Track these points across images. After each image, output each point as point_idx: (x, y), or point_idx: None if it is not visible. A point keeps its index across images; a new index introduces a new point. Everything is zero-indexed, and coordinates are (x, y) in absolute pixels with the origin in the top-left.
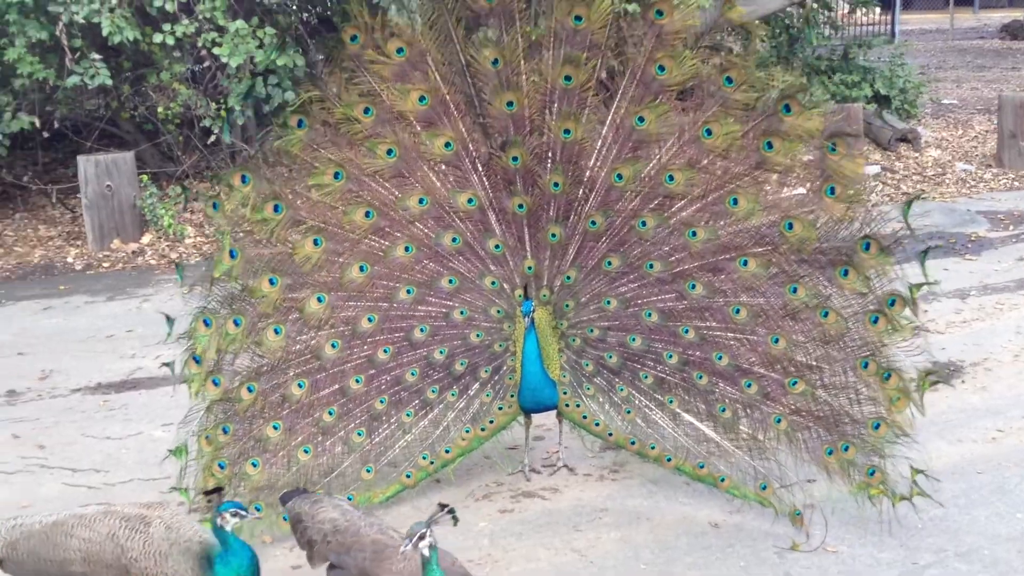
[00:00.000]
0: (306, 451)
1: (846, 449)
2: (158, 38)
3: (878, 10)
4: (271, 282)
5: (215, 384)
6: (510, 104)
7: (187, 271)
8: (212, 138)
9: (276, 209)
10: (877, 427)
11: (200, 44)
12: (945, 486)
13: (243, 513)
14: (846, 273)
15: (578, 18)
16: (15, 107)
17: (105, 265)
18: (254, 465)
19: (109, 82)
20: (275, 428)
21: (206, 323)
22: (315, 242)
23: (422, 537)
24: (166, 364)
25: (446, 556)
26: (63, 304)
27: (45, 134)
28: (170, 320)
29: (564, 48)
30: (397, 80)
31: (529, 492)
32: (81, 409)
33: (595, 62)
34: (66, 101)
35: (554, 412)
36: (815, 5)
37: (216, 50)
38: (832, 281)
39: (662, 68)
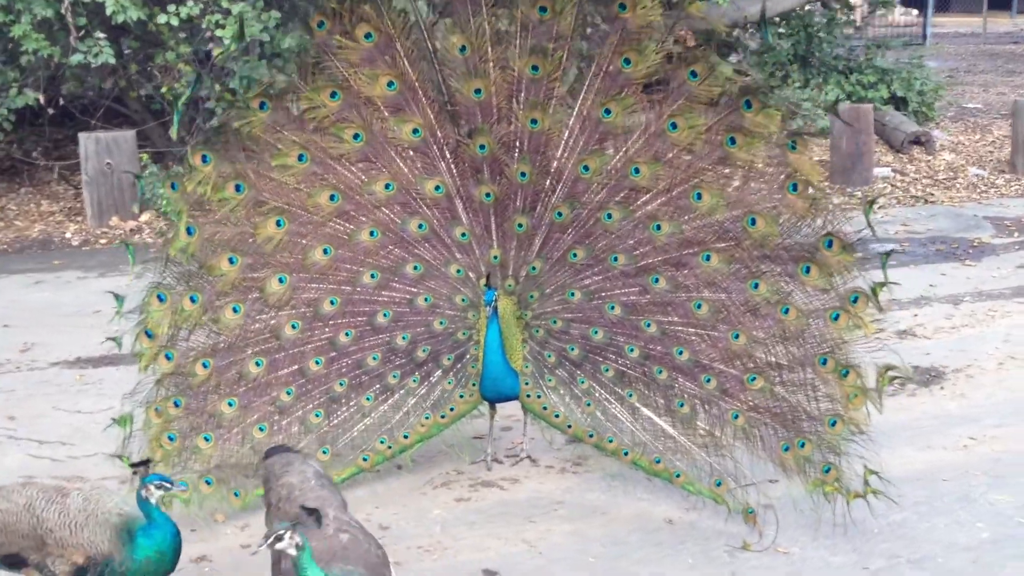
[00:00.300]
0: (261, 429)
1: (802, 446)
2: (163, 19)
3: (915, 12)
4: (231, 261)
5: (168, 358)
6: (477, 92)
7: (144, 251)
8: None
9: (238, 189)
10: (833, 424)
11: (204, 25)
12: (908, 492)
13: (167, 485)
14: (808, 270)
15: (543, 8)
16: (21, 83)
17: (102, 242)
18: (206, 439)
19: (113, 60)
20: (230, 405)
21: (160, 298)
22: (277, 223)
23: (279, 539)
24: (111, 339)
25: (361, 543)
26: (55, 279)
27: (51, 111)
28: (119, 298)
29: (531, 38)
30: (366, 65)
31: (488, 482)
32: (57, 382)
33: (562, 53)
34: (73, 78)
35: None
36: (836, 5)
37: (219, 32)
38: (794, 277)
39: (627, 61)
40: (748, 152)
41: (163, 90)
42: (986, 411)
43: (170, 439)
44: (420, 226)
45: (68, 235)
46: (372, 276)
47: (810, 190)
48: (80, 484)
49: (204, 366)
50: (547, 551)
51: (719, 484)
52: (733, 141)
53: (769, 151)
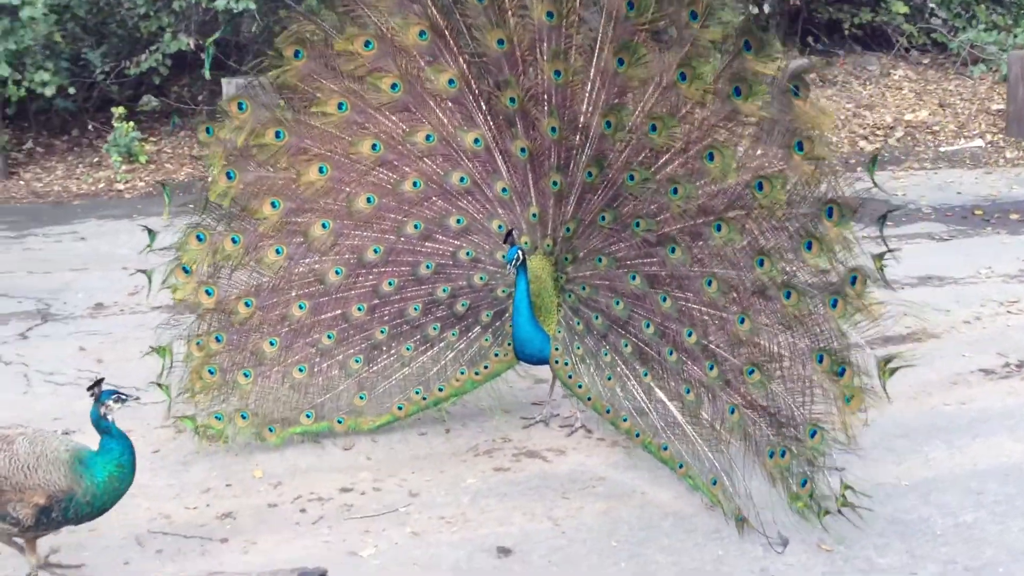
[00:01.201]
0: (301, 370)
1: (783, 455)
2: None
3: None
4: (273, 205)
5: (208, 294)
6: (500, 42)
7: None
8: None
9: (277, 135)
10: (813, 435)
11: None
12: (991, 487)
13: (124, 397)
14: (810, 246)
15: None
16: (175, 29)
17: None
18: (246, 375)
19: (253, 6)
20: (272, 344)
21: (199, 238)
22: (320, 170)
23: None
24: (142, 271)
25: None
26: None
27: (202, 56)
28: (151, 233)
29: None
30: (396, 13)
31: (533, 452)
32: (153, 326)
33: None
34: (228, 24)
35: None
36: None
37: None
38: (797, 255)
39: (631, 5)
40: (754, 103)
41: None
42: None
43: (210, 372)
44: (462, 179)
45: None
46: (416, 227)
47: (816, 149)
48: (22, 428)
49: (247, 305)
50: (571, 531)
51: (715, 483)
52: (739, 92)
53: (773, 100)
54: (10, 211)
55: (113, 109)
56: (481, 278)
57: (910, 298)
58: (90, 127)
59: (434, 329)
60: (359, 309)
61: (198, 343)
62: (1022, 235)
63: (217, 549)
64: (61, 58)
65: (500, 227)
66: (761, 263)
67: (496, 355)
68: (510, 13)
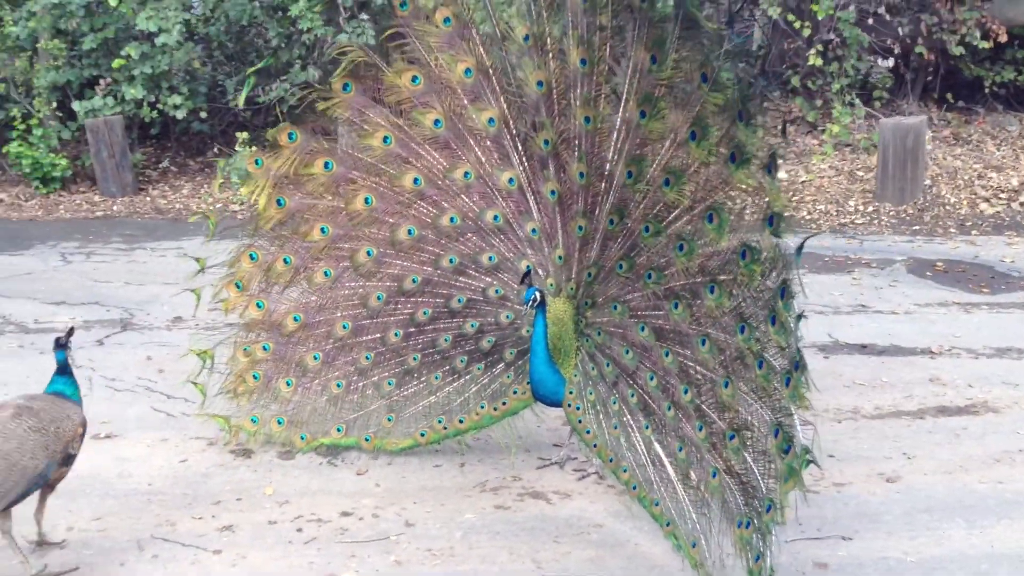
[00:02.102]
0: (339, 385)
1: (747, 526)
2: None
3: None
4: (322, 231)
5: (259, 307)
6: (540, 84)
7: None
8: None
9: (327, 166)
10: (769, 509)
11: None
12: (999, 572)
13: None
14: (773, 321)
15: None
16: (304, 61)
17: None
18: (288, 384)
19: (373, 41)
20: (315, 358)
21: (252, 257)
22: (366, 200)
23: None
24: (190, 289)
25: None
26: None
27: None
28: (200, 261)
29: (577, 29)
30: (445, 50)
31: (538, 493)
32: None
33: (605, 46)
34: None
35: None
36: None
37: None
38: (766, 328)
39: (654, 59)
40: (744, 174)
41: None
42: None
43: (255, 377)
44: (495, 217)
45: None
46: (451, 261)
47: (781, 227)
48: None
49: (295, 319)
50: (551, 575)
51: (694, 545)
52: (733, 158)
53: (754, 180)
54: (130, 225)
55: (238, 134)
56: (508, 316)
57: (983, 369)
58: (215, 149)
59: (462, 362)
60: (396, 335)
61: (245, 349)
62: None
63: (208, 559)
64: (200, 83)
65: (528, 267)
66: (743, 329)
67: (515, 392)
68: (550, 56)
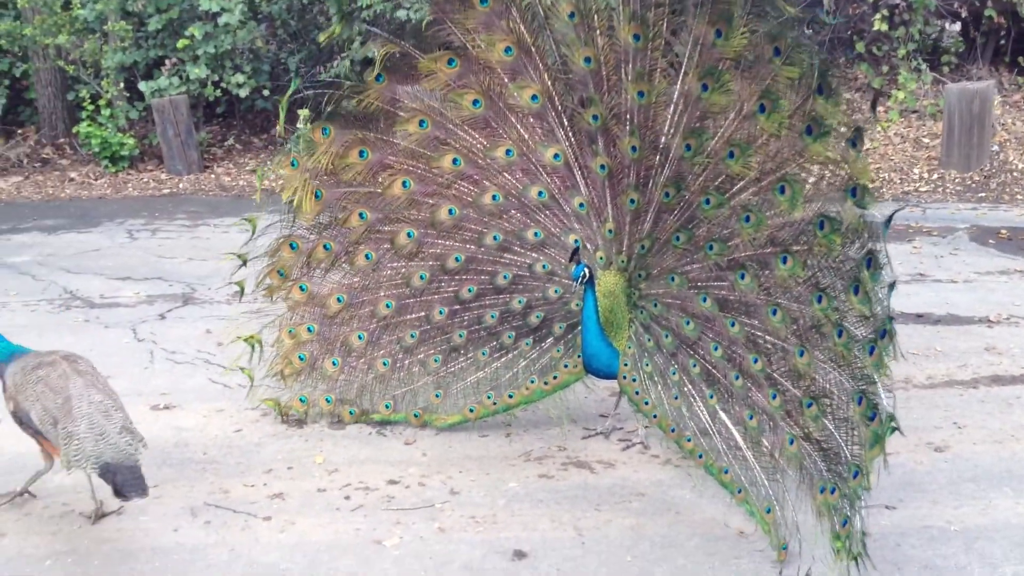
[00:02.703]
0: (385, 364)
1: (833, 491)
2: None
3: None
4: (361, 216)
5: (302, 290)
6: (587, 60)
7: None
8: None
9: (361, 155)
10: (856, 475)
11: None
12: None
13: None
14: (856, 291)
15: None
16: (364, 37)
17: None
18: (334, 364)
19: (430, 17)
20: (360, 338)
21: (292, 247)
22: (403, 184)
23: None
24: (234, 283)
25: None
26: None
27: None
28: (243, 259)
29: (631, 5)
30: (483, 30)
31: (582, 462)
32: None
33: (661, 22)
34: (412, 34)
35: None
36: None
37: None
38: (847, 296)
39: (719, 33)
40: (822, 146)
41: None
42: None
43: (300, 359)
44: (540, 193)
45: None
46: (495, 238)
47: (866, 199)
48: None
49: (338, 300)
50: (592, 542)
51: (768, 511)
52: (810, 130)
53: (835, 152)
54: (196, 202)
55: (299, 111)
56: (556, 291)
57: (1003, 336)
58: (277, 127)
59: (509, 337)
60: (440, 312)
61: (290, 331)
62: None
63: (258, 525)
64: (263, 62)
65: (576, 242)
66: (820, 299)
67: (565, 366)
68: (598, 32)
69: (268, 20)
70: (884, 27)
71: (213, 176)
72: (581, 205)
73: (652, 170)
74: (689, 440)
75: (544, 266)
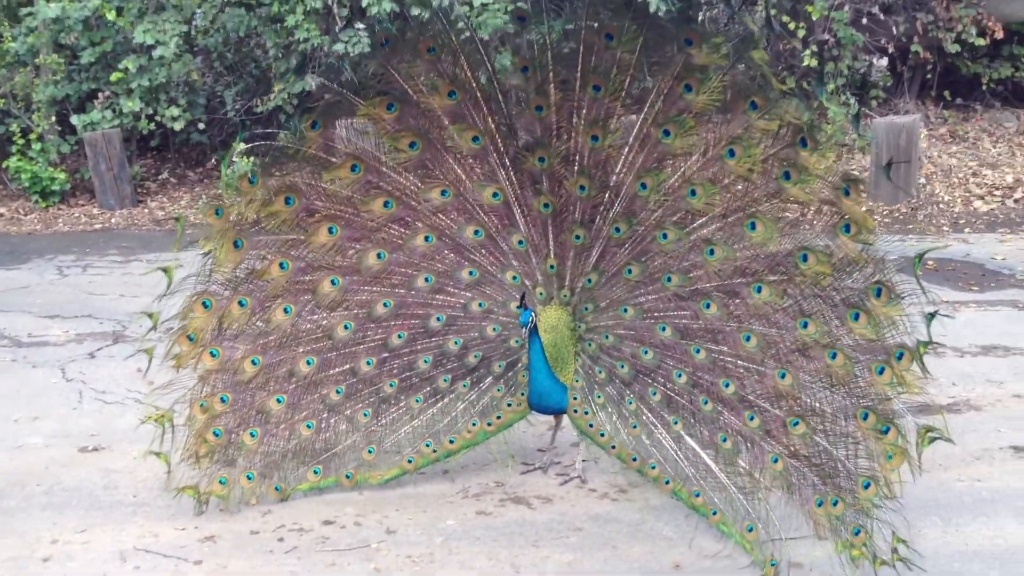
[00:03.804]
0: (309, 426)
1: (835, 504)
2: (415, 11)
3: None
4: (281, 266)
5: (213, 356)
6: (539, 109)
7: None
8: None
9: (287, 201)
10: (867, 486)
11: (453, 17)
12: (972, 570)
13: None
14: (857, 317)
15: (609, 36)
16: (298, 72)
17: None
18: (252, 435)
19: (368, 51)
20: (279, 401)
21: (205, 305)
22: (329, 230)
23: None
24: (146, 314)
25: None
26: None
27: (326, 96)
28: (168, 272)
29: (594, 60)
30: (430, 74)
31: (520, 498)
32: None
33: (624, 77)
34: (353, 67)
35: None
36: None
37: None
38: (843, 323)
39: (689, 88)
40: (802, 190)
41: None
42: None
43: (215, 435)
44: (476, 232)
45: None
46: (427, 280)
47: (862, 235)
48: None
49: (253, 363)
50: None
51: (750, 530)
52: (788, 176)
53: (823, 194)
54: (128, 237)
55: (233, 144)
56: (494, 329)
57: (967, 367)
58: (212, 161)
59: (445, 381)
60: (368, 363)
61: (202, 405)
62: None
63: (189, 570)
64: (198, 95)
65: (515, 278)
66: (805, 325)
67: (509, 405)
68: (552, 85)
69: (204, 53)
70: (814, 63)
71: (147, 210)
72: (520, 242)
73: (601, 206)
74: (654, 467)
75: (480, 304)
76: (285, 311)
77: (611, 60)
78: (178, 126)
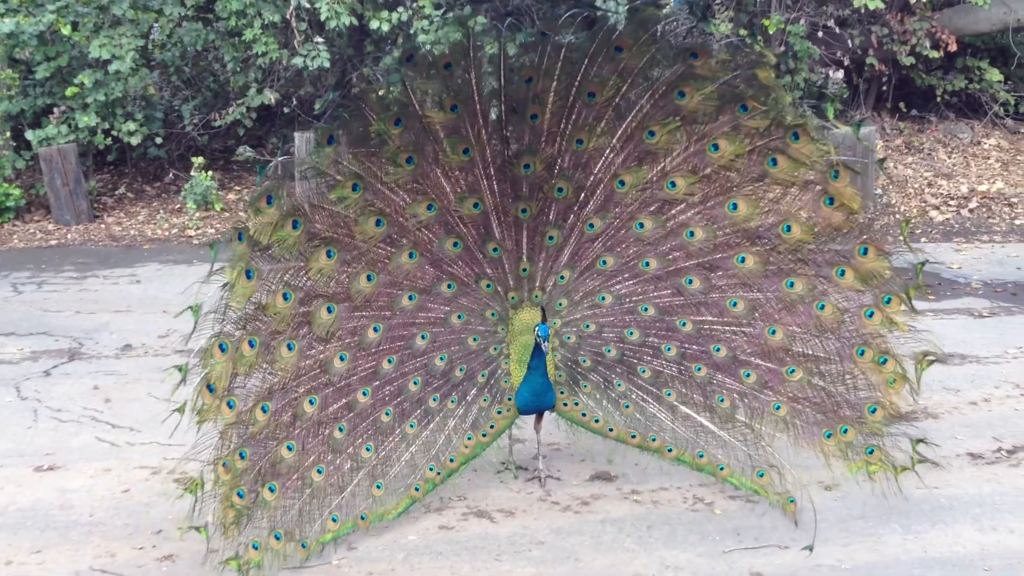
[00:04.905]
0: (319, 471)
1: (845, 432)
2: (374, 24)
3: None
4: (285, 297)
5: (229, 407)
6: (534, 117)
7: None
8: None
9: (295, 225)
10: (874, 411)
11: (412, 31)
12: None
13: None
14: (843, 273)
15: (618, 48)
16: (260, 85)
17: None
18: (271, 490)
19: (327, 65)
20: (289, 449)
21: (222, 348)
22: (328, 254)
23: None
24: (177, 409)
25: None
26: None
27: (285, 110)
28: (195, 311)
29: (596, 68)
30: (440, 89)
31: (483, 511)
32: (166, 368)
33: (622, 84)
34: (311, 81)
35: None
36: None
37: (421, 37)
38: (829, 280)
39: (682, 94)
40: (788, 174)
41: (379, 93)
42: None
43: (239, 496)
44: (455, 244)
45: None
46: (410, 298)
47: (848, 211)
48: None
49: (263, 411)
50: None
51: (761, 475)
52: (775, 162)
53: (809, 176)
54: (84, 253)
55: (193, 159)
56: (474, 339)
57: (925, 376)
58: (170, 175)
59: (434, 400)
60: (364, 394)
61: (224, 464)
62: None
63: None
64: (156, 109)
65: (489, 286)
66: (791, 284)
67: (499, 412)
68: (551, 95)
69: (161, 67)
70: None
71: (103, 226)
72: (495, 250)
73: (576, 206)
74: (654, 440)
75: (460, 316)
76: (288, 347)
77: (613, 68)
78: (135, 141)
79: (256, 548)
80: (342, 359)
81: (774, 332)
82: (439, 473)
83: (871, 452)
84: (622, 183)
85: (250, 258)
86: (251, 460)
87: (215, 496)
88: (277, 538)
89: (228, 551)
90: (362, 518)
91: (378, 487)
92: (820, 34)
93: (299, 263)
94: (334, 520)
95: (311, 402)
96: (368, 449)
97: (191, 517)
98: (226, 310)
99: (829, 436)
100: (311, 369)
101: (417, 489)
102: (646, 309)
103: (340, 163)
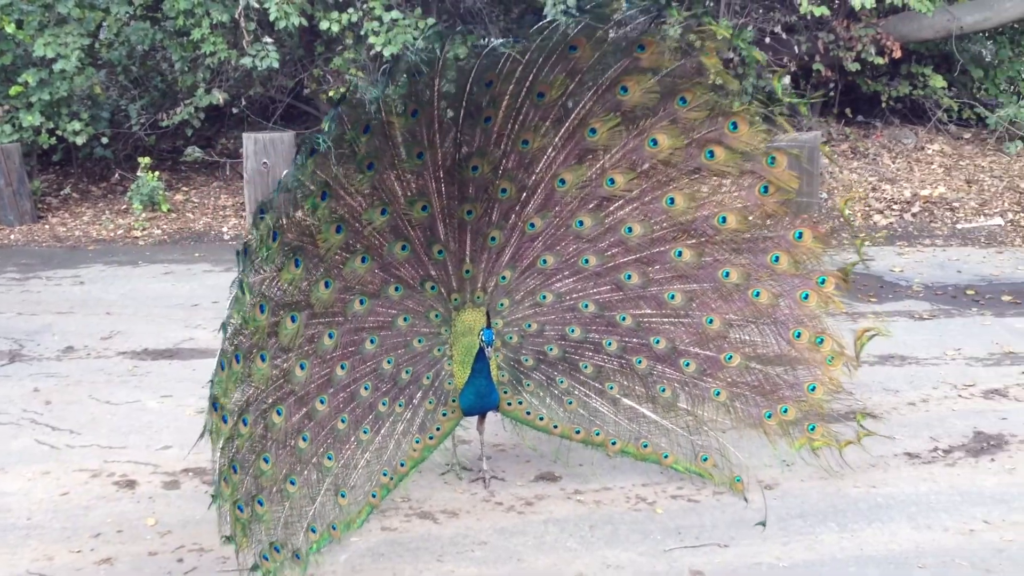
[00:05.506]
0: (292, 482)
1: (785, 411)
2: (324, 24)
3: None
4: (261, 309)
5: (224, 422)
6: (488, 120)
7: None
8: None
9: (274, 237)
10: (813, 389)
11: (363, 32)
12: (867, 574)
13: None
14: (777, 259)
15: (573, 47)
16: (208, 85)
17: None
18: (260, 503)
19: (276, 65)
20: (266, 461)
21: (221, 366)
22: (295, 263)
23: None
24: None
25: None
26: (185, 271)
27: (234, 110)
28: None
29: (548, 68)
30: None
31: (426, 513)
32: (109, 371)
33: (570, 83)
34: (260, 81)
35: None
36: None
37: (372, 39)
38: (764, 266)
39: (625, 89)
40: (724, 165)
41: (331, 94)
42: None
43: (240, 509)
44: (403, 247)
45: (224, 230)
46: (361, 302)
47: (783, 196)
48: None
49: (244, 423)
50: None
51: (705, 459)
52: (712, 154)
53: (744, 166)
54: (27, 254)
55: (140, 159)
56: (419, 341)
57: (864, 377)
58: (116, 175)
59: (383, 405)
60: (321, 402)
61: (225, 479)
62: (1007, 317)
63: None
64: (102, 109)
65: (433, 288)
66: (727, 275)
67: (444, 415)
68: (506, 98)
69: (108, 66)
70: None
71: (47, 227)
72: (440, 252)
73: (517, 205)
74: (598, 434)
75: (406, 319)
76: (262, 358)
77: (564, 68)
78: (80, 140)
79: (267, 559)
80: (302, 367)
81: (711, 321)
82: (392, 478)
83: (813, 429)
84: (563, 182)
85: (244, 271)
86: (240, 474)
87: (226, 507)
88: (277, 550)
89: (248, 560)
90: (333, 528)
91: (342, 496)
92: (767, 40)
93: (273, 273)
94: (313, 531)
95: (278, 412)
96: (329, 458)
97: (222, 527)
98: (228, 331)
99: (770, 416)
100: (277, 379)
101: (374, 496)
102: (586, 306)
103: (316, 172)
